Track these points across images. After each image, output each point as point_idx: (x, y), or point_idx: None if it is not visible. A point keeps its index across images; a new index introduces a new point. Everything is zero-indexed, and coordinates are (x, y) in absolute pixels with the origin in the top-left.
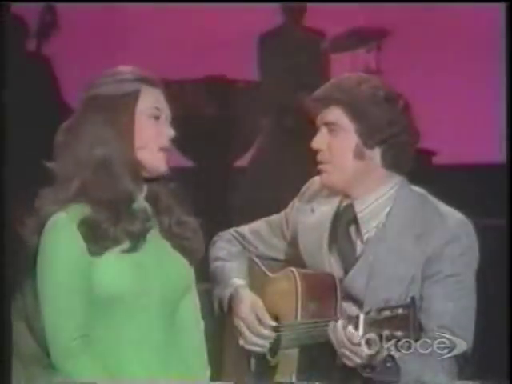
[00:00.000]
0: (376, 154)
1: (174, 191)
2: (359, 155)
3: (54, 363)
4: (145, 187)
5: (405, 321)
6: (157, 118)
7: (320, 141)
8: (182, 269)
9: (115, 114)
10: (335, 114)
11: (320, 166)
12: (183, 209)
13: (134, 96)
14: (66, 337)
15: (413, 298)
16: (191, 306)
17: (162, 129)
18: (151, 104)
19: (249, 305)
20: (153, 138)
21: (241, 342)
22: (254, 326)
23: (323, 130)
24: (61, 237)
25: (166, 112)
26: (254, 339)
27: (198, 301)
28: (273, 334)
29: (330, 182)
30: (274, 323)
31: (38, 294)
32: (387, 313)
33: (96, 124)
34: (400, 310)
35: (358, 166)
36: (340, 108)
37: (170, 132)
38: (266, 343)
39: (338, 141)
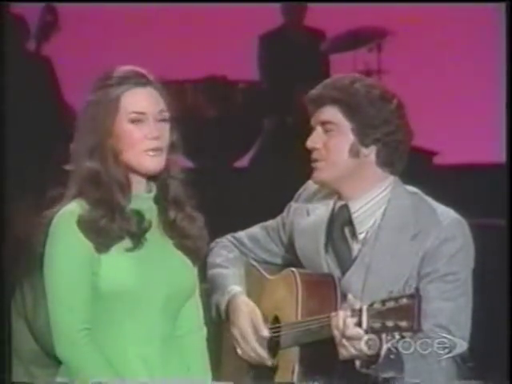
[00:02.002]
0: (371, 152)
1: (184, 185)
2: (354, 153)
3: (58, 354)
4: (150, 184)
5: (409, 311)
6: (139, 121)
7: (315, 140)
8: (186, 269)
9: (100, 122)
10: (331, 113)
11: (313, 164)
12: (191, 203)
13: (114, 103)
14: (70, 328)
15: (417, 289)
16: (194, 310)
17: (148, 131)
18: (131, 109)
19: (246, 315)
20: (137, 142)
21: (239, 351)
22: (251, 339)
23: (318, 129)
24: (64, 233)
25: (153, 111)
26: (252, 354)
27: (200, 306)
28: (265, 346)
29: (320, 178)
30: (269, 334)
31: (43, 289)
32: (391, 303)
33: (87, 134)
34: (404, 300)
35: (351, 164)
36: (335, 107)
37: (154, 133)
38: (263, 355)
39: (333, 139)
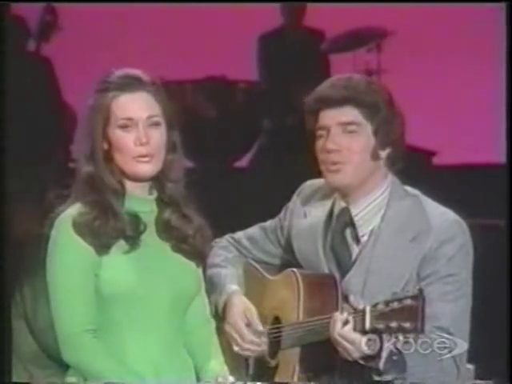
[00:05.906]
0: (384, 154)
1: (182, 186)
2: (375, 156)
3: (64, 359)
4: (147, 185)
5: (413, 312)
6: (128, 127)
7: (337, 141)
8: (188, 271)
9: (94, 128)
10: (352, 115)
11: (334, 167)
12: (190, 205)
13: (106, 109)
14: (74, 331)
15: (421, 290)
16: (200, 306)
17: (136, 137)
18: (120, 115)
19: (239, 311)
20: (126, 148)
21: (235, 348)
22: (243, 332)
23: (337, 130)
24: (64, 236)
25: (142, 117)
26: (247, 346)
27: (206, 300)
28: (263, 340)
29: (344, 181)
30: (263, 328)
31: (43, 290)
32: (395, 304)
33: (84, 138)
34: (408, 301)
35: (372, 166)
36: (356, 108)
37: (142, 139)
38: (260, 349)
39: (357, 141)
